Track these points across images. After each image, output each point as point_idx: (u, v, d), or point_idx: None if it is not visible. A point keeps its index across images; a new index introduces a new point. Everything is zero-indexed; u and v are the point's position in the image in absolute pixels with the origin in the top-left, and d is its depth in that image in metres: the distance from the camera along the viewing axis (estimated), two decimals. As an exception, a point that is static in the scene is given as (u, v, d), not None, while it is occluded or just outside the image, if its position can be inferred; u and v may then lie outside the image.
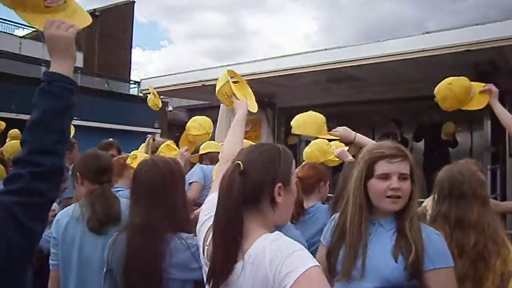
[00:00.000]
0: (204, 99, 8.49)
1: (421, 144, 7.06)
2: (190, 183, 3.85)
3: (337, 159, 3.01)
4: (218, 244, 1.19)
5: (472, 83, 2.75)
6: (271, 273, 1.06)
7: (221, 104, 6.28)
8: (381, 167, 1.64)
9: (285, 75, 5.53)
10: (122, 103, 15.21)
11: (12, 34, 17.72)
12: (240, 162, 1.22)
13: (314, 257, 1.11)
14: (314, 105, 7.21)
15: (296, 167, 1.68)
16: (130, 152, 3.16)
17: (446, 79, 2.75)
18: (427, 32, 4.64)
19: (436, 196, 2.05)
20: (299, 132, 2.91)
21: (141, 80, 8.54)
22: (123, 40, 20.30)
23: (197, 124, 3.41)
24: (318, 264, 1.06)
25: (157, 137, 4.67)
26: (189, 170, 3.94)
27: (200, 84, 6.17)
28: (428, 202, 2.61)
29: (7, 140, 5.10)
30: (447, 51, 4.27)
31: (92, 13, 17.69)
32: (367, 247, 1.62)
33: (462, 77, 2.75)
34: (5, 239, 1.00)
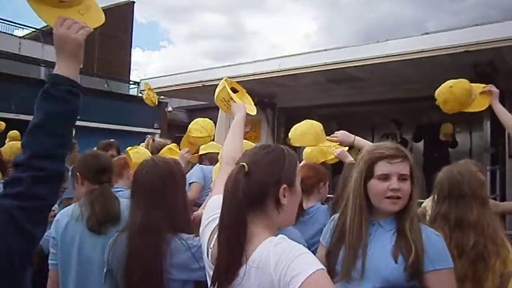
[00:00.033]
0: (204, 99, 8.48)
1: (421, 145, 7.07)
2: (190, 184, 3.85)
3: (337, 158, 3.02)
4: (223, 246, 1.18)
5: (473, 84, 2.75)
6: (276, 277, 1.05)
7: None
8: (381, 168, 1.64)
9: (286, 75, 5.53)
10: (122, 104, 15.21)
11: (12, 34, 17.70)
12: (244, 163, 1.22)
13: None
14: (314, 105, 7.27)
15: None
16: (129, 153, 3.16)
17: (446, 82, 2.76)
18: (427, 33, 4.65)
19: (435, 196, 2.06)
20: (298, 145, 2.90)
21: (141, 80, 8.53)
22: (123, 40, 20.29)
23: (199, 126, 3.40)
24: (323, 267, 1.05)
25: (157, 138, 4.68)
26: (188, 171, 3.94)
27: (200, 84, 6.17)
28: (427, 203, 2.61)
29: (6, 141, 5.10)
30: (446, 52, 4.27)
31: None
32: (367, 247, 1.62)
33: (462, 80, 2.75)
34: (5, 242, 1.00)
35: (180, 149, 3.31)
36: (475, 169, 2.21)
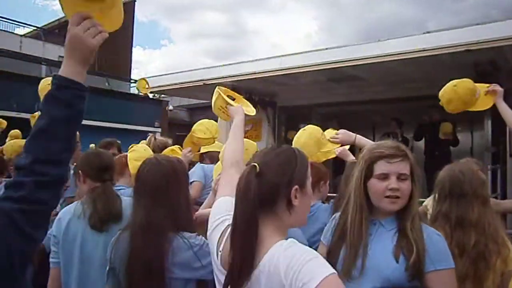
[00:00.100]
0: (205, 98, 8.48)
1: (422, 144, 7.06)
2: (191, 182, 3.85)
3: (334, 153, 3.00)
4: (236, 249, 1.16)
5: (477, 84, 2.75)
6: (287, 282, 1.04)
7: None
8: (380, 167, 1.64)
9: (286, 74, 5.53)
10: (123, 102, 15.19)
11: (13, 33, 17.71)
12: (256, 164, 1.21)
13: None
14: (314, 104, 7.27)
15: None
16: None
17: (450, 82, 2.76)
18: (428, 32, 4.65)
19: (437, 195, 2.05)
20: None
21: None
22: (123, 38, 20.27)
23: (204, 127, 3.39)
24: (335, 271, 1.04)
25: (158, 136, 4.68)
26: (189, 169, 3.94)
27: (201, 83, 6.17)
28: (429, 202, 2.61)
29: (7, 140, 5.12)
30: (447, 51, 4.28)
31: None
32: (368, 247, 1.62)
33: (466, 79, 2.76)
34: (5, 245, 0.99)
35: (183, 149, 3.31)
36: (476, 167, 2.21)
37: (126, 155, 3.09)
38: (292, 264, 1.05)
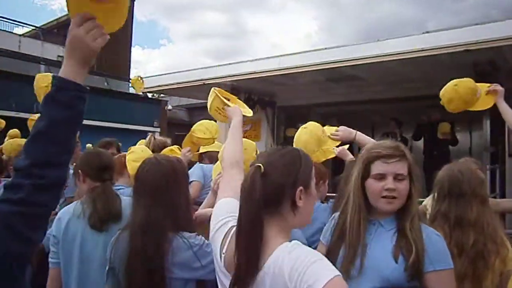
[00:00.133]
0: (204, 98, 8.45)
1: (421, 143, 7.07)
2: (190, 182, 3.84)
3: (334, 153, 2.99)
4: (241, 249, 1.16)
5: (478, 84, 2.75)
6: (292, 284, 1.04)
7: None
8: (377, 167, 1.64)
9: (285, 74, 5.53)
10: (122, 102, 15.17)
11: (11, 32, 17.65)
12: (260, 164, 1.21)
13: None
14: (313, 104, 7.27)
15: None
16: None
17: (451, 81, 2.76)
18: (427, 32, 4.65)
19: (435, 195, 2.06)
20: None
21: (141, 78, 8.52)
22: (122, 38, 20.24)
23: (204, 127, 3.38)
24: (339, 273, 1.04)
25: (157, 136, 4.68)
26: (188, 169, 3.93)
27: (200, 82, 6.17)
28: (428, 201, 2.61)
29: (5, 139, 5.12)
30: (446, 51, 4.28)
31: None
32: (367, 247, 1.62)
33: (467, 79, 2.76)
34: (3, 247, 0.99)
35: (182, 148, 3.31)
36: (475, 167, 2.21)
37: (125, 155, 3.08)
38: (297, 266, 1.05)
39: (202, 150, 4.12)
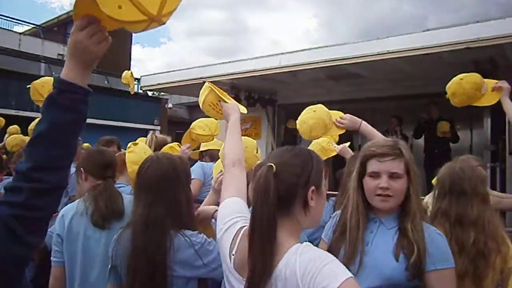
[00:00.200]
0: (204, 96, 8.46)
1: (422, 141, 7.06)
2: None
3: (335, 151, 2.99)
4: (256, 252, 1.14)
5: (485, 80, 2.74)
6: (305, 287, 1.04)
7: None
8: (372, 166, 1.66)
9: (286, 71, 5.52)
10: (122, 100, 15.16)
11: (12, 31, 17.64)
12: (272, 164, 1.20)
13: None
14: (314, 102, 7.24)
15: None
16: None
17: (458, 75, 2.75)
18: (427, 30, 4.64)
19: (436, 192, 2.06)
20: (308, 138, 2.75)
21: (141, 77, 8.53)
22: (123, 36, 20.24)
23: (203, 124, 3.36)
24: (352, 275, 1.04)
25: (157, 134, 4.67)
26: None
27: (200, 80, 6.16)
28: (428, 199, 2.61)
29: (5, 137, 5.12)
30: (446, 49, 4.28)
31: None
32: (368, 244, 1.63)
33: (474, 73, 2.75)
34: (3, 250, 0.98)
35: (181, 145, 3.30)
36: (476, 163, 2.20)
37: (126, 153, 3.07)
38: (309, 269, 1.05)
39: (203, 148, 4.11)
